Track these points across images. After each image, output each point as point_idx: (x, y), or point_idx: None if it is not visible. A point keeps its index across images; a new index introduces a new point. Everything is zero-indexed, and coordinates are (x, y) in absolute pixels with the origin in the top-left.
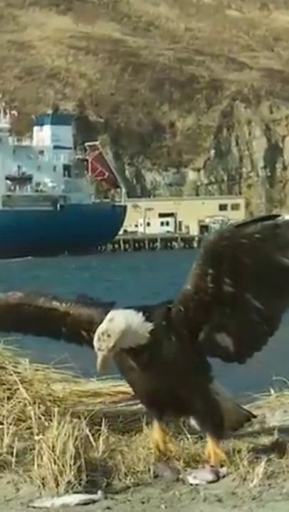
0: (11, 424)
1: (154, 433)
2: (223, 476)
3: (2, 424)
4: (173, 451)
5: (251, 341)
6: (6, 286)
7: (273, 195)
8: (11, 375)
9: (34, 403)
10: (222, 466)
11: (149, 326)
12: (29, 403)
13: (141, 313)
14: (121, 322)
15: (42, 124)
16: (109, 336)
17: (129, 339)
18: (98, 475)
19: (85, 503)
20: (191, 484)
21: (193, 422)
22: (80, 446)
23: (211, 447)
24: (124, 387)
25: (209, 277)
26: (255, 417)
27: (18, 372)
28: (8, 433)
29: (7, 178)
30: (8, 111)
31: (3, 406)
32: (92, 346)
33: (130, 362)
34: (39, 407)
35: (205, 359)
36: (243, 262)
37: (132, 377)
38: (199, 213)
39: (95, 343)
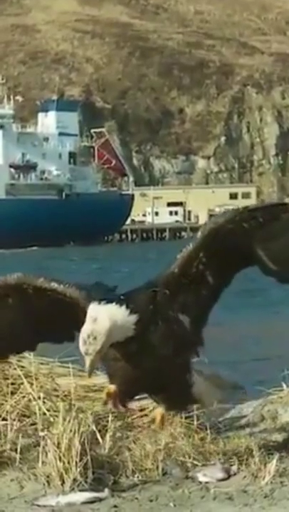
0: (14, 419)
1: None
2: (234, 474)
3: (6, 419)
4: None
5: (203, 319)
6: None
7: (285, 183)
8: (15, 369)
9: (39, 398)
10: (231, 464)
11: (134, 318)
12: (33, 398)
13: (124, 306)
14: (105, 321)
15: (47, 110)
16: (95, 338)
17: (116, 335)
18: (105, 472)
19: (92, 501)
20: (201, 482)
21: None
22: (86, 442)
23: (161, 412)
24: None
25: (199, 260)
26: (243, 388)
27: (23, 367)
28: (12, 429)
29: (11, 166)
30: (12, 96)
31: (6, 401)
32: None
33: (114, 352)
34: (44, 402)
35: (189, 339)
36: (233, 245)
37: (114, 367)
38: (209, 202)
39: (81, 348)
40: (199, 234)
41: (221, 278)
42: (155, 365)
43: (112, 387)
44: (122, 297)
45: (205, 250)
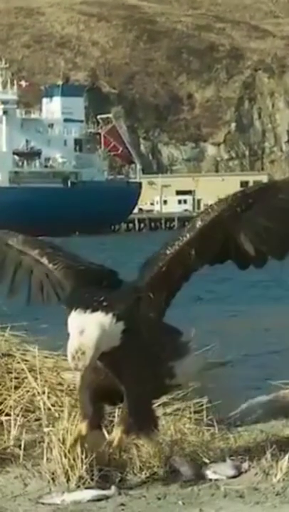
0: (18, 415)
1: (82, 427)
2: (245, 471)
3: (9, 415)
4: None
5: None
6: None
7: None
8: (18, 363)
9: (43, 393)
10: (242, 461)
11: (121, 326)
12: (38, 393)
13: (111, 314)
14: (93, 333)
15: (52, 96)
16: (83, 353)
17: (104, 346)
18: (111, 469)
19: (98, 499)
20: (211, 479)
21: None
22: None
23: (120, 435)
24: None
25: (190, 255)
26: (231, 361)
27: (27, 360)
28: (15, 424)
29: (14, 153)
30: (15, 81)
31: (10, 396)
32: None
33: (97, 362)
34: (48, 397)
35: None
36: (227, 234)
37: (90, 378)
38: (219, 191)
39: (71, 363)
40: (199, 223)
41: (191, 272)
42: (138, 374)
43: (84, 430)
44: (104, 303)
45: (200, 242)
